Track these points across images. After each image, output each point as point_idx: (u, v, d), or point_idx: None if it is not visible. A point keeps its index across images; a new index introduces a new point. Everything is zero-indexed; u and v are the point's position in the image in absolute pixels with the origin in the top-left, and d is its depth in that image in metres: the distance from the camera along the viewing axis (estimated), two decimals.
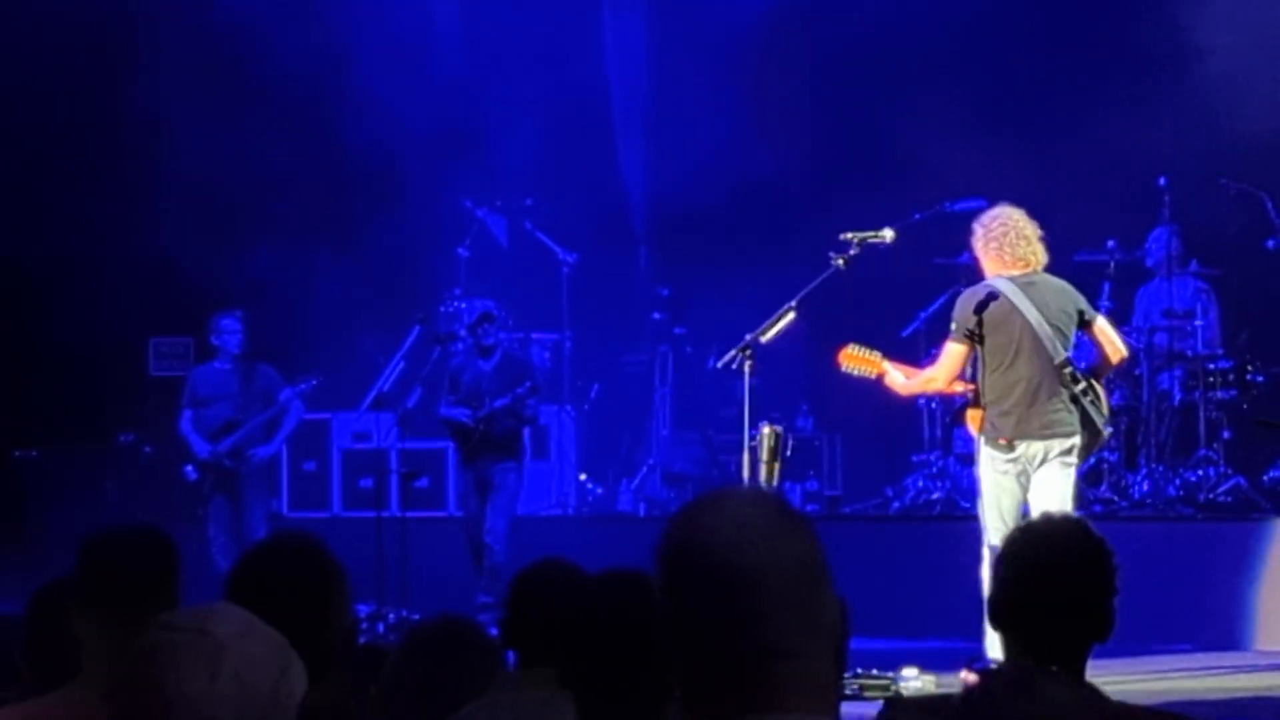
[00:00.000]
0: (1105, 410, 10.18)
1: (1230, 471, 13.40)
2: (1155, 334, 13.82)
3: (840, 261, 10.59)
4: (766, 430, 10.32)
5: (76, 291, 16.51)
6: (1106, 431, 10.36)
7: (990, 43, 15.98)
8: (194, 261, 16.42)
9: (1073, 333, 10.09)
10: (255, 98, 16.26)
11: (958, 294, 10.83)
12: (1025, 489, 9.92)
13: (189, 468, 14.45)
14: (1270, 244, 13.82)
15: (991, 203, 14.13)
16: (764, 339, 10.56)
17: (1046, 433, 9.93)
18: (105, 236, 16.44)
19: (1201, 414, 13.49)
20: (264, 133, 16.28)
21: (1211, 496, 13.23)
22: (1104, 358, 10.27)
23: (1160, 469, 13.45)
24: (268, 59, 16.01)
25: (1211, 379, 13.57)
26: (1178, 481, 13.40)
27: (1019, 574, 3.93)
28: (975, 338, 9.91)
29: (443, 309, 15.21)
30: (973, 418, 10.24)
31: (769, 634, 2.51)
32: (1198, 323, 13.84)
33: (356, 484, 15.62)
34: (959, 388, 10.41)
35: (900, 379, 10.42)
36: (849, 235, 10.72)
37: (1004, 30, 15.99)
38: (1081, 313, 10.15)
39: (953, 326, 10.21)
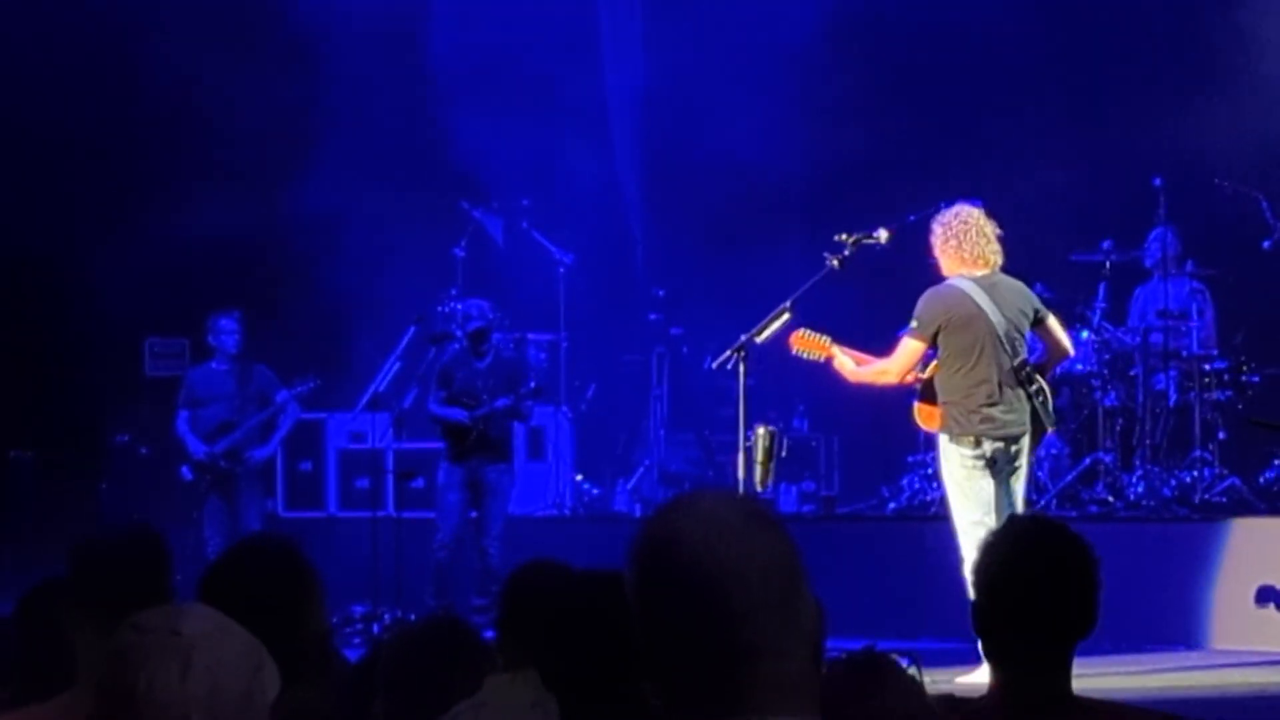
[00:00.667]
0: (1052, 408, 10.51)
1: (1225, 472, 13.40)
2: (1151, 334, 13.80)
3: (835, 262, 10.65)
4: (762, 431, 10.37)
5: (72, 291, 16.50)
6: (1050, 428, 10.67)
7: (988, 43, 15.96)
8: (190, 262, 16.42)
9: (1027, 332, 10.34)
10: (248, 98, 16.24)
11: None
12: (993, 483, 10.18)
13: (185, 468, 14.45)
14: (1266, 245, 13.82)
15: (986, 202, 14.14)
16: (759, 339, 10.59)
17: (1003, 432, 10.21)
18: (100, 236, 16.42)
19: (1197, 414, 13.48)
20: (259, 133, 16.27)
21: (1207, 497, 13.22)
22: (1051, 355, 10.58)
23: (1155, 470, 13.44)
24: (261, 60, 16.01)
25: (1207, 379, 13.57)
26: (1173, 482, 13.39)
27: (1003, 577, 3.91)
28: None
29: (439, 309, 15.20)
30: (924, 413, 10.45)
31: (745, 635, 2.49)
32: (1193, 323, 13.83)
33: (352, 484, 15.62)
34: (909, 379, 10.51)
35: (850, 365, 10.50)
36: (844, 236, 10.76)
37: (1000, 31, 15.97)
38: (1036, 310, 10.41)
39: (914, 324, 10.35)
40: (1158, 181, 13.76)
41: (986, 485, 10.15)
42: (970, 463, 10.16)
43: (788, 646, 2.51)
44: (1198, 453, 13.40)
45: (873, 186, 14.68)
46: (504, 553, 13.46)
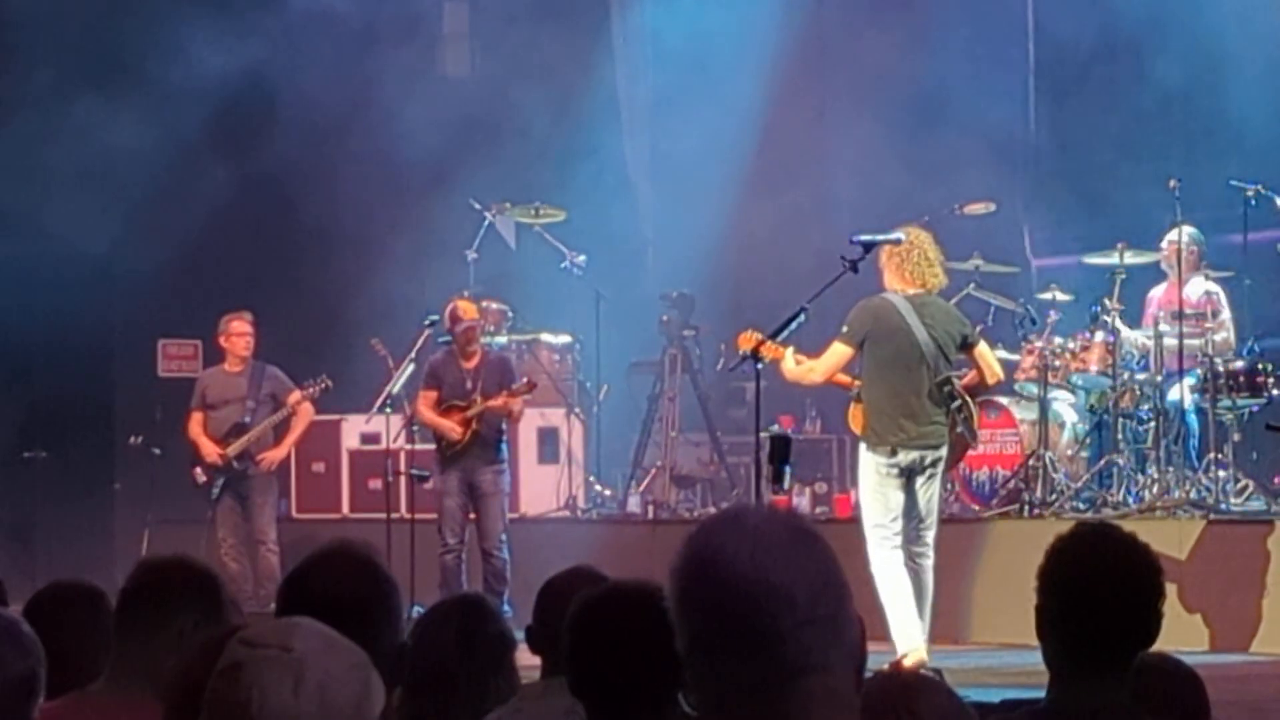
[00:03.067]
0: (976, 425, 11.12)
1: (1241, 475, 13.34)
2: (1166, 336, 13.74)
3: (850, 264, 10.66)
4: (775, 432, 10.44)
5: (85, 292, 16.49)
6: (975, 444, 11.38)
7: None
8: (203, 263, 16.42)
9: (955, 353, 10.79)
10: (263, 99, 16.25)
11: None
12: (906, 493, 10.64)
13: (197, 470, 14.45)
14: None
15: (1000, 207, 14.15)
16: (774, 342, 10.59)
17: (921, 443, 10.63)
18: (114, 237, 16.41)
19: (1212, 417, 13.42)
20: (272, 136, 16.27)
21: (1222, 501, 13.16)
22: (980, 378, 11.03)
23: (1170, 472, 13.38)
24: (277, 61, 16.01)
25: (1223, 382, 13.50)
26: (1188, 485, 13.32)
27: (1068, 584, 3.88)
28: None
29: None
30: (854, 416, 10.89)
31: (791, 653, 2.48)
32: (1209, 325, 13.77)
33: (365, 485, 15.60)
34: (840, 379, 10.92)
35: (790, 364, 10.86)
36: (860, 237, 10.78)
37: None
38: (965, 335, 10.88)
39: (844, 329, 10.74)
40: (1173, 182, 13.69)
41: (896, 493, 10.62)
42: (884, 470, 10.61)
43: (833, 663, 2.50)
44: (1213, 456, 13.33)
45: (887, 184, 14.66)
46: (513, 554, 13.43)
